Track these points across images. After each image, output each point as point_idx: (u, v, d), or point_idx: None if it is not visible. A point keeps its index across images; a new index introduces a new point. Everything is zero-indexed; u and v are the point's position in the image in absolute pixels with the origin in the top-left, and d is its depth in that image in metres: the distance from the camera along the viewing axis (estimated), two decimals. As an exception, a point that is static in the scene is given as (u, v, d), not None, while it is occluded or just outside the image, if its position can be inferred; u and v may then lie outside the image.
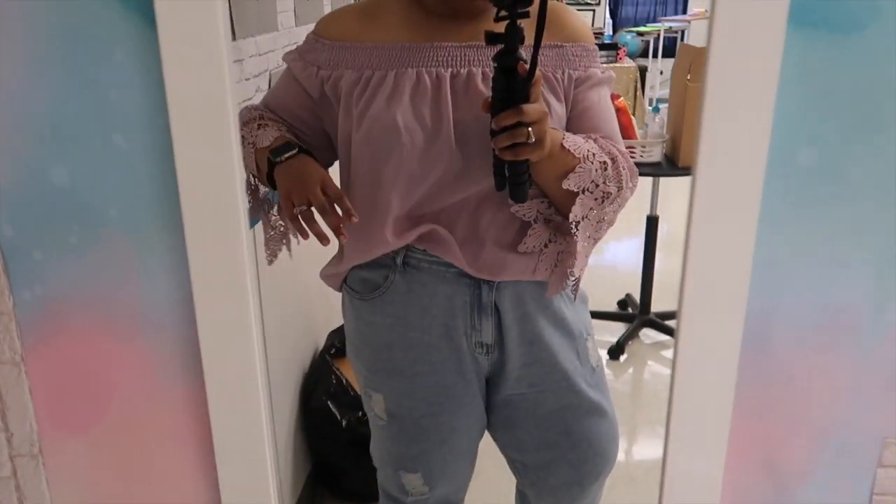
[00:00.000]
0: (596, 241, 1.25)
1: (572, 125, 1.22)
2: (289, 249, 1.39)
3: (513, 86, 1.00)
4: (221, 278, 0.72)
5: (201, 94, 0.66)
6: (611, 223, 1.24)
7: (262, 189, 1.32)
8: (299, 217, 1.13)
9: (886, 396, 0.75)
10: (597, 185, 1.16)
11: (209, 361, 0.74)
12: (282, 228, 1.35)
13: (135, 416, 0.79)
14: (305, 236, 1.15)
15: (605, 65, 1.33)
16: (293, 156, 1.18)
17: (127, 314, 0.76)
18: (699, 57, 2.99)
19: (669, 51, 7.79)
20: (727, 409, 0.75)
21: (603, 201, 1.18)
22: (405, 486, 1.45)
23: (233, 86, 0.68)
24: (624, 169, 1.19)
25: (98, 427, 0.80)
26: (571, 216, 1.17)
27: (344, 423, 2.25)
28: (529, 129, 1.02)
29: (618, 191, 1.18)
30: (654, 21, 8.63)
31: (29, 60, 0.69)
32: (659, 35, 6.71)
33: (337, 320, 2.62)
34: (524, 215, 1.23)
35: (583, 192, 1.16)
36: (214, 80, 0.66)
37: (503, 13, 0.96)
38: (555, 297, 1.31)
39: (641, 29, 7.29)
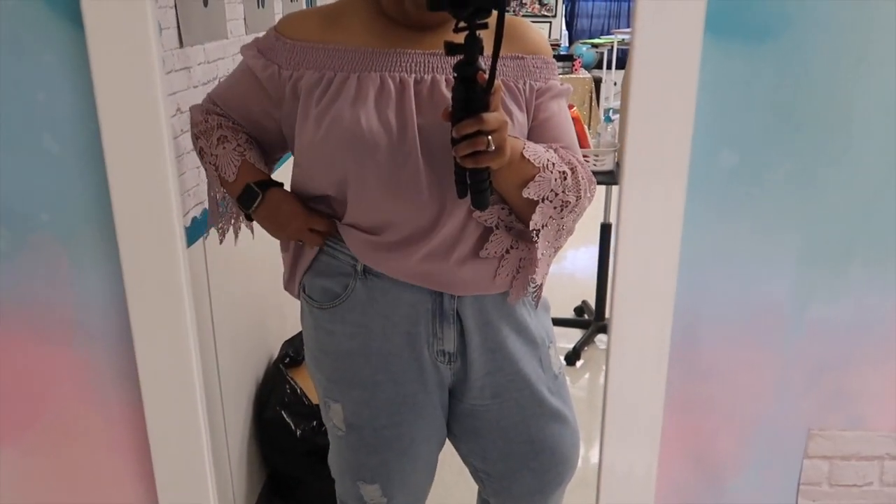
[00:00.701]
0: (557, 249, 1.27)
1: (533, 135, 1.24)
2: (235, 234, 1.40)
3: (472, 95, 1.02)
4: (155, 283, 0.71)
5: (131, 95, 0.66)
6: (570, 232, 1.26)
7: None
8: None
9: (809, 390, 0.78)
10: (556, 195, 1.18)
11: (145, 367, 0.74)
12: (229, 211, 1.36)
13: (68, 423, 0.78)
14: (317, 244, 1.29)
15: (561, 76, 1.36)
16: (260, 202, 1.26)
17: (60, 320, 0.74)
18: (649, 68, 3.06)
19: (623, 62, 7.96)
20: (659, 406, 0.76)
21: (562, 210, 1.20)
22: (363, 496, 1.43)
23: (163, 86, 0.67)
24: (583, 179, 1.21)
25: (30, 433, 0.78)
26: (532, 224, 1.19)
27: (298, 433, 2.23)
28: (489, 137, 1.03)
29: (576, 200, 1.20)
30: (609, 33, 8.81)
31: (-45, 62, 0.68)
32: (613, 47, 6.84)
33: (291, 330, 2.61)
34: (486, 221, 1.24)
35: (542, 200, 1.18)
36: (144, 81, 0.66)
37: (462, 24, 0.98)
38: (517, 304, 1.32)
39: (596, 41, 7.42)
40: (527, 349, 1.34)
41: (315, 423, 2.25)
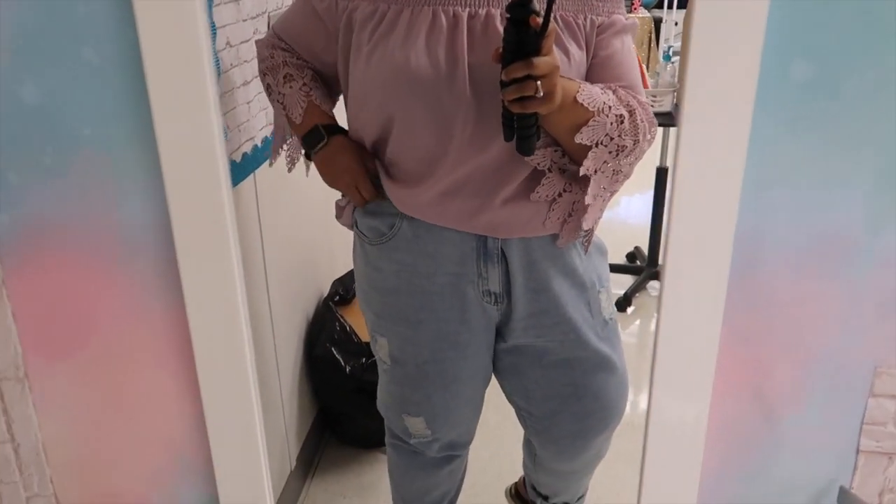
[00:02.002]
0: (612, 193, 1.22)
1: (593, 73, 1.18)
2: (306, 167, 1.42)
3: (524, 38, 0.98)
4: (199, 199, 0.70)
5: (171, 4, 0.64)
6: (627, 176, 1.21)
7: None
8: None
9: (878, 325, 0.73)
10: (611, 139, 1.13)
11: (189, 284, 0.74)
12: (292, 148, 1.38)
13: (117, 341, 0.79)
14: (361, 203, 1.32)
15: (621, 14, 1.28)
16: (324, 145, 1.28)
17: (106, 236, 0.75)
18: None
19: (685, 2, 7.60)
20: (715, 338, 0.73)
21: (618, 154, 1.15)
22: (408, 428, 1.46)
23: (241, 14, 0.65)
24: (642, 122, 1.15)
25: (81, 351, 0.80)
26: (583, 169, 1.14)
27: (348, 369, 2.26)
28: (538, 82, 0.99)
29: (634, 144, 1.15)
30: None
31: (-4, -28, 0.67)
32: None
33: (341, 268, 2.63)
34: (538, 164, 1.20)
35: (596, 145, 1.13)
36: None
37: None
38: (567, 246, 1.29)
39: (657, -21, 7.10)
40: (574, 292, 1.31)
41: (364, 360, 2.28)
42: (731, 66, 0.63)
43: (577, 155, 1.17)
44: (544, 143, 1.17)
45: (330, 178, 1.31)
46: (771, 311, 0.73)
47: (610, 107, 1.13)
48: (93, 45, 0.68)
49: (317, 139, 1.27)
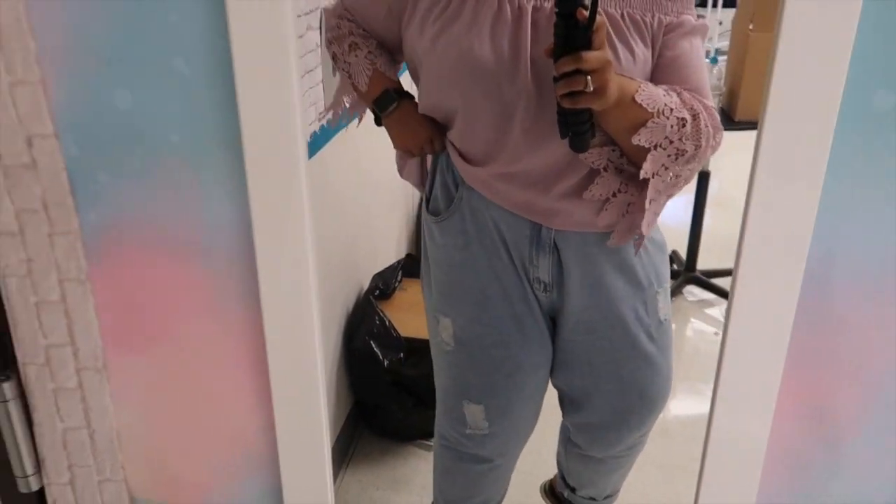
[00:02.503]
0: (669, 197, 1.20)
1: (659, 73, 1.17)
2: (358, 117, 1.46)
3: (572, 32, 0.98)
4: (280, 204, 0.73)
5: (263, 17, 0.66)
6: (687, 181, 1.18)
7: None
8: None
9: (947, 352, 0.73)
10: (671, 142, 1.11)
11: (266, 286, 0.76)
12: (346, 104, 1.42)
13: (193, 337, 0.82)
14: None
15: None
16: (395, 108, 1.31)
17: (187, 237, 0.77)
18: (763, 6, 2.87)
19: (730, 1, 7.48)
20: (781, 357, 0.74)
21: (677, 158, 1.13)
22: (465, 416, 1.43)
23: (294, 10, 0.67)
24: (706, 126, 1.13)
25: (158, 345, 0.83)
26: (642, 172, 1.13)
27: (386, 363, 2.29)
28: (588, 77, 0.99)
29: (695, 149, 1.12)
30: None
31: (96, -18, 0.69)
32: (722, -17, 6.43)
33: (381, 263, 2.66)
34: (593, 163, 1.20)
35: (655, 147, 1.12)
36: (276, 5, 0.66)
37: None
38: (623, 244, 1.28)
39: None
40: (629, 289, 1.30)
41: (401, 354, 2.31)
42: (813, 94, 0.63)
43: (635, 156, 1.16)
44: (600, 142, 1.17)
45: (403, 139, 1.34)
46: (839, 333, 0.74)
47: (671, 109, 1.11)
48: (183, 55, 0.71)
49: (388, 101, 1.30)
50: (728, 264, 2.98)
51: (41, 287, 0.81)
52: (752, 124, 2.79)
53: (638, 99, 1.09)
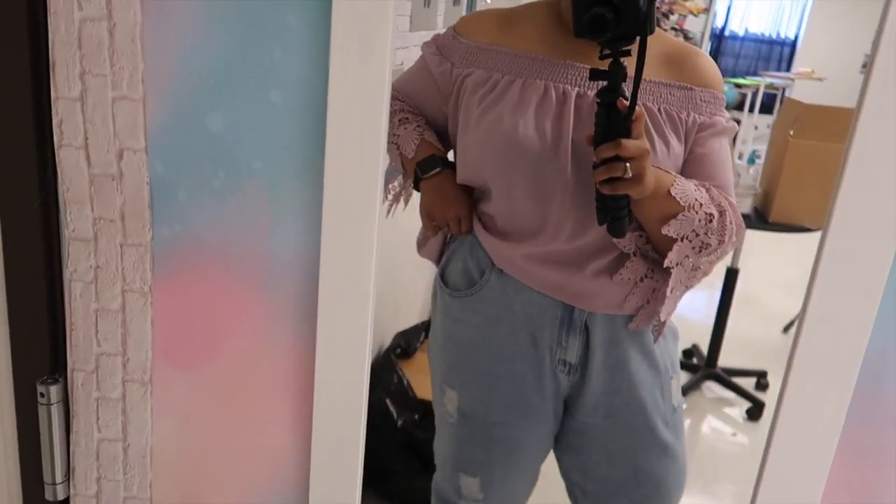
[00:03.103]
0: (688, 287, 1.24)
1: (688, 168, 1.22)
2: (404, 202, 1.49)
3: (613, 121, 1.03)
4: (350, 243, 0.75)
5: (362, 65, 0.70)
6: (706, 273, 1.23)
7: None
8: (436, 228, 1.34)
9: None
10: (697, 235, 1.16)
11: (324, 320, 0.77)
12: (396, 190, 1.45)
13: (243, 361, 0.82)
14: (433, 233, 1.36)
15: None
16: (438, 173, 1.32)
17: (254, 262, 0.80)
18: (805, 113, 2.93)
19: (768, 107, 7.64)
20: (830, 452, 0.73)
21: (700, 251, 1.17)
22: (461, 488, 1.44)
23: (391, 63, 0.71)
24: (730, 224, 1.18)
25: (207, 365, 0.84)
26: (667, 261, 1.17)
27: (399, 423, 2.26)
28: (627, 164, 1.04)
29: (718, 244, 1.17)
30: (755, 75, 8.50)
31: (208, 14, 0.74)
32: (759, 89, 6.59)
33: (404, 322, 2.66)
34: (624, 247, 1.23)
35: (682, 239, 1.16)
36: (376, 57, 0.70)
37: (607, 51, 0.99)
38: (646, 328, 1.30)
39: (741, 81, 7.18)
40: (649, 374, 1.31)
41: (417, 416, 2.28)
42: (879, 206, 0.65)
43: (661, 245, 1.19)
44: (630, 228, 1.20)
45: (436, 207, 1.33)
46: (888, 429, 0.73)
47: (701, 204, 1.15)
48: (280, 89, 0.75)
49: (433, 165, 1.32)
50: (750, 364, 2.96)
51: (104, 295, 0.83)
52: (784, 226, 2.81)
53: (673, 192, 1.14)
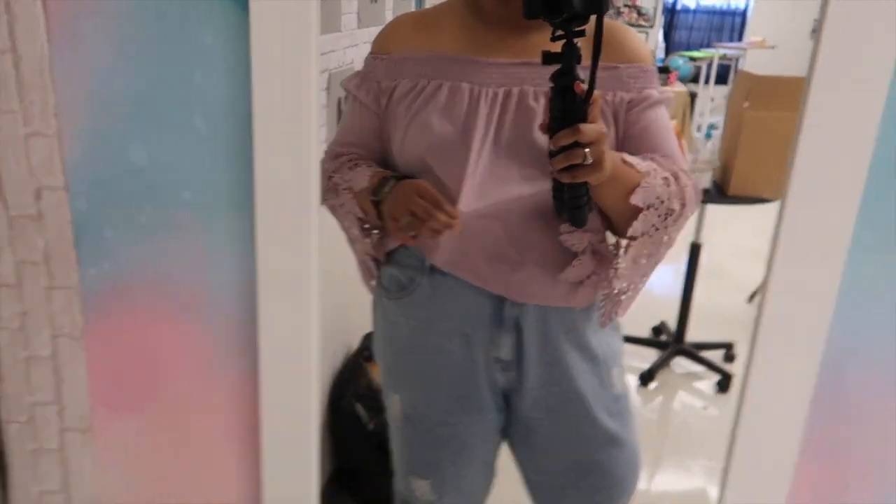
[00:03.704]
0: (657, 261, 1.22)
1: (630, 146, 1.20)
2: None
3: (570, 106, 0.99)
4: (288, 270, 0.71)
5: (287, 84, 0.66)
6: (670, 244, 1.21)
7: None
8: (405, 227, 1.15)
9: (964, 451, 0.72)
10: (661, 202, 1.14)
11: (266, 351, 0.74)
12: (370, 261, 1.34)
13: (186, 400, 0.78)
14: (413, 242, 1.18)
15: (657, 87, 1.30)
16: (393, 186, 1.19)
17: (190, 298, 0.75)
18: (758, 85, 2.94)
19: (722, 77, 7.72)
20: (794, 447, 0.72)
21: (666, 218, 1.15)
22: (414, 490, 1.44)
23: (318, 79, 0.67)
24: (687, 186, 1.17)
25: (149, 407, 0.80)
26: (630, 230, 1.14)
27: (371, 426, 2.24)
28: (587, 150, 1.00)
29: (681, 207, 1.15)
30: (709, 47, 8.57)
31: (119, 39, 0.69)
32: (713, 61, 6.64)
33: (372, 324, 2.62)
34: (572, 245, 1.22)
35: (648, 208, 1.14)
36: (301, 72, 0.66)
37: (559, 32, 0.95)
38: (582, 321, 1.30)
39: (694, 54, 7.23)
40: (587, 366, 1.31)
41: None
42: (837, 178, 0.64)
43: (624, 222, 1.17)
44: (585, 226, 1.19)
45: (393, 204, 1.18)
46: (854, 425, 0.72)
47: (656, 170, 1.14)
48: (203, 115, 0.70)
49: (384, 183, 1.19)
50: (717, 336, 2.98)
51: (33, 342, 0.78)
52: (744, 199, 2.81)
53: (627, 159, 1.11)
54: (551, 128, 1.01)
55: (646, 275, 1.24)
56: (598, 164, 1.01)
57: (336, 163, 1.27)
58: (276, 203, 0.70)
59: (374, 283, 1.37)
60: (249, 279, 0.74)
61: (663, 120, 1.25)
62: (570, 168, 1.01)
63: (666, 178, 1.14)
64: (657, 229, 1.15)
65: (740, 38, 9.66)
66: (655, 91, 1.24)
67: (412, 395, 1.37)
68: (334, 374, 2.39)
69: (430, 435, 1.38)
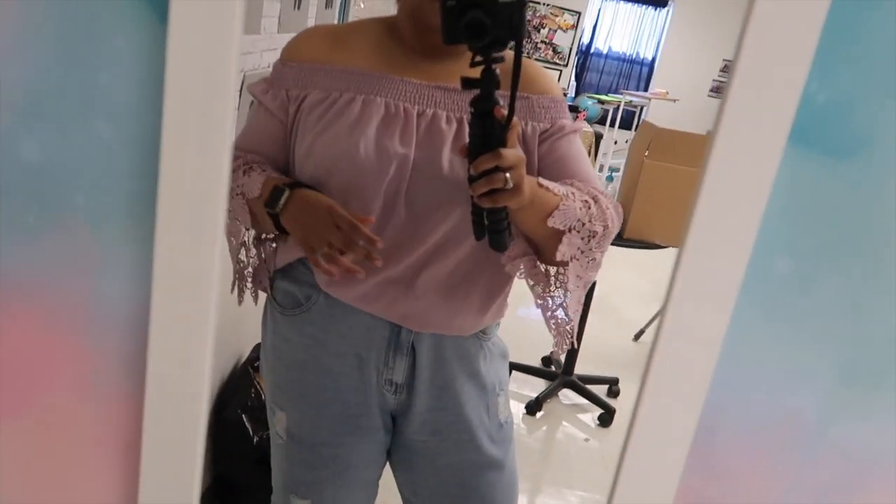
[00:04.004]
0: (587, 283, 1.25)
1: (548, 175, 1.24)
2: (255, 295, 1.38)
3: (490, 131, 1.01)
4: (187, 284, 0.68)
5: (203, 96, 0.64)
6: (597, 266, 1.24)
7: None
8: (323, 260, 1.12)
9: (816, 507, 0.77)
10: (583, 224, 1.17)
11: (155, 371, 0.70)
12: (249, 270, 1.32)
13: (61, 416, 0.73)
14: (337, 276, 1.12)
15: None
16: (288, 198, 1.15)
17: (74, 306, 0.71)
18: (659, 136, 3.11)
19: (627, 122, 8.10)
20: (682, 454, 0.75)
21: (589, 240, 1.18)
22: None
23: (236, 92, 0.66)
24: (608, 209, 1.21)
25: (16, 421, 0.74)
26: (559, 255, 1.17)
27: (255, 439, 2.18)
28: (507, 174, 1.02)
29: (604, 230, 1.19)
30: (617, 92, 8.98)
31: (22, 28, 0.65)
32: (619, 106, 6.96)
33: (264, 333, 2.55)
34: (511, 270, 1.24)
35: (569, 230, 1.16)
36: (219, 85, 0.64)
37: (478, 58, 0.97)
38: (474, 348, 1.32)
39: (603, 97, 7.57)
40: (475, 393, 1.35)
41: (274, 433, 2.20)
42: (724, 252, 0.68)
43: (549, 248, 1.19)
44: (518, 253, 1.21)
45: (303, 227, 1.14)
46: (721, 481, 0.76)
47: (574, 192, 1.18)
48: (108, 117, 0.67)
49: (278, 195, 1.15)
50: (602, 371, 3.12)
51: None
52: (638, 243, 2.96)
53: (543, 183, 1.14)
54: (471, 152, 1.02)
55: (580, 300, 1.27)
56: (518, 188, 1.04)
57: (232, 165, 1.26)
58: (180, 213, 0.67)
59: (249, 286, 1.32)
60: (141, 292, 0.70)
61: (578, 147, 1.30)
62: (491, 193, 1.03)
63: (585, 202, 1.17)
64: (582, 252, 1.18)
65: (646, 88, 10.21)
66: (568, 121, 1.29)
67: (299, 413, 1.35)
68: (222, 381, 2.31)
69: (313, 454, 1.36)
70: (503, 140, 1.00)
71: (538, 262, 1.22)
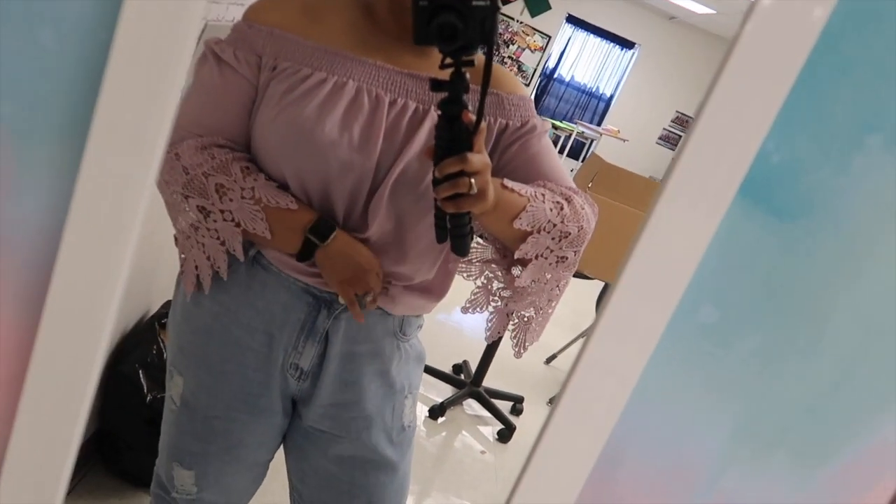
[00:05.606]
0: (558, 284, 1.24)
1: (520, 174, 1.23)
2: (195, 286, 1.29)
3: (457, 135, 1.00)
4: (105, 224, 0.64)
5: (161, 24, 0.60)
6: (573, 265, 1.24)
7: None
8: (357, 301, 1.18)
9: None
10: (554, 225, 1.16)
11: (54, 304, 0.66)
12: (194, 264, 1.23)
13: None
14: (361, 318, 1.20)
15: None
16: (334, 237, 1.15)
17: (-23, 221, 0.66)
18: (605, 171, 3.17)
19: (574, 152, 8.25)
20: (581, 481, 0.75)
21: (561, 240, 1.18)
22: (174, 478, 1.38)
23: (197, 31, 0.62)
24: (583, 208, 1.21)
25: None
26: (519, 252, 1.17)
27: (148, 397, 2.10)
28: (472, 179, 1.02)
29: (579, 230, 1.19)
30: (571, 121, 9.13)
31: None
32: (571, 135, 7.09)
33: (177, 290, 2.46)
34: (470, 276, 1.24)
35: (539, 231, 1.16)
36: (181, 14, 0.60)
37: (448, 60, 0.96)
38: (387, 346, 1.31)
39: (558, 123, 7.68)
40: (382, 392, 1.34)
41: (168, 393, 2.12)
42: (652, 298, 0.68)
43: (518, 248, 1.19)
44: (482, 259, 1.20)
45: (349, 271, 1.14)
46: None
47: (544, 195, 1.17)
48: (54, 29, 0.62)
49: (328, 229, 1.14)
50: (510, 388, 3.16)
51: None
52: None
53: (509, 185, 1.14)
54: (437, 156, 1.01)
55: (552, 299, 1.26)
56: (482, 194, 1.03)
57: (212, 158, 1.13)
58: (113, 145, 0.63)
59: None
60: (53, 221, 0.66)
61: (549, 146, 1.30)
62: (455, 197, 1.02)
63: (557, 203, 1.17)
64: (552, 251, 1.18)
65: (600, 123, 10.44)
66: (538, 119, 1.29)
67: (197, 381, 1.30)
68: (124, 333, 2.21)
69: (205, 426, 1.32)
70: (470, 144, 1.00)
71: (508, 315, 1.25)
